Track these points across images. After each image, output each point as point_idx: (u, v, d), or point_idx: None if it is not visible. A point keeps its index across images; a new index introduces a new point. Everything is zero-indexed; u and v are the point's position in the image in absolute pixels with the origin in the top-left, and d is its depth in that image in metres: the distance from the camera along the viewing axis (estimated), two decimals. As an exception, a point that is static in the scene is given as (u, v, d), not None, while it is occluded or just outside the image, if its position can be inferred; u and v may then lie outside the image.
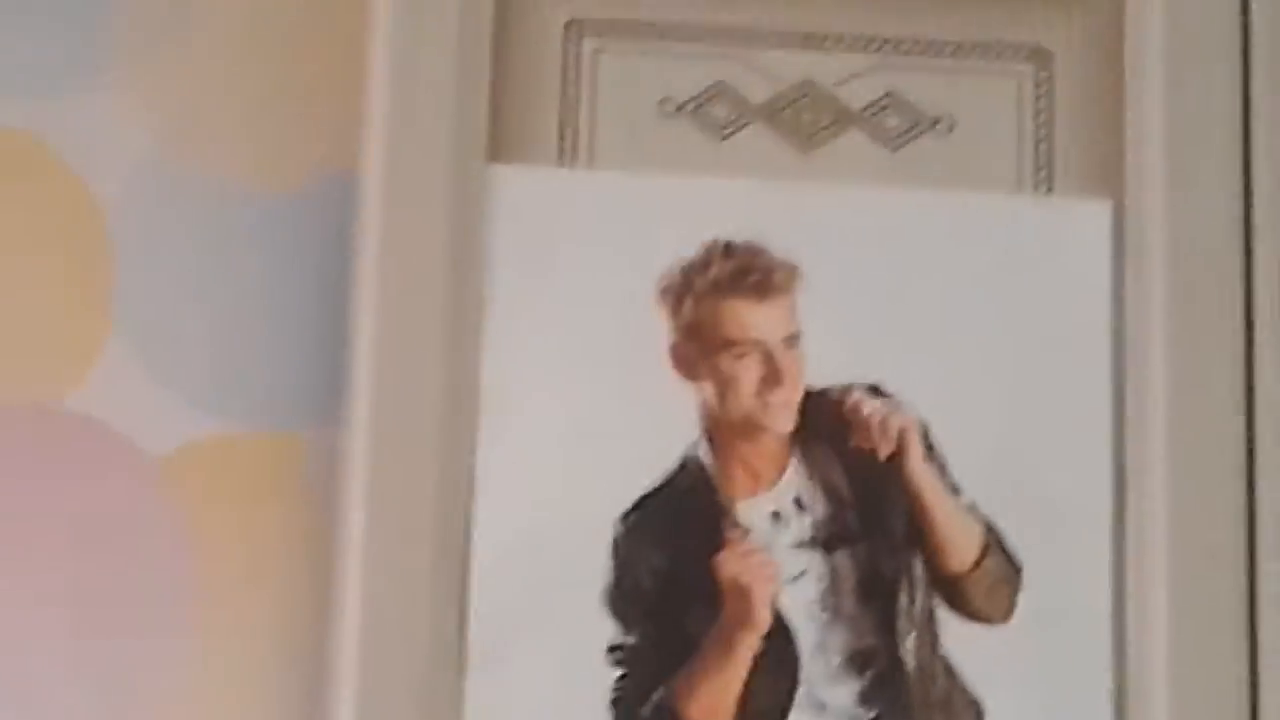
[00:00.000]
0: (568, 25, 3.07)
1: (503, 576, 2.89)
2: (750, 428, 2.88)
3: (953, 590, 2.87)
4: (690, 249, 2.95)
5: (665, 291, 2.92)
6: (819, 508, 2.87)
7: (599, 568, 2.85)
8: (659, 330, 2.89)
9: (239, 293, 3.16)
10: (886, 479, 2.86)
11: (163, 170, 3.18)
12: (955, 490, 2.90)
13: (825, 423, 2.90)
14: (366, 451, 2.90)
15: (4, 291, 3.12)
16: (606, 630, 2.84)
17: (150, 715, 3.02)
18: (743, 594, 2.81)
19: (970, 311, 3.00)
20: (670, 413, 2.91)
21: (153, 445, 3.09)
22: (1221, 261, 2.96)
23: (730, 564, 2.80)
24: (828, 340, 2.97)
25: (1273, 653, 2.84)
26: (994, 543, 2.87)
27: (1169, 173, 2.97)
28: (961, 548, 2.85)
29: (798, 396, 2.90)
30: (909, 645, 2.85)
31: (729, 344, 2.88)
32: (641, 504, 2.86)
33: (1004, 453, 2.95)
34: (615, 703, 2.83)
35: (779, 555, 2.85)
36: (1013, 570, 2.89)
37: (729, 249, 2.93)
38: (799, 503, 2.88)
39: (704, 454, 2.88)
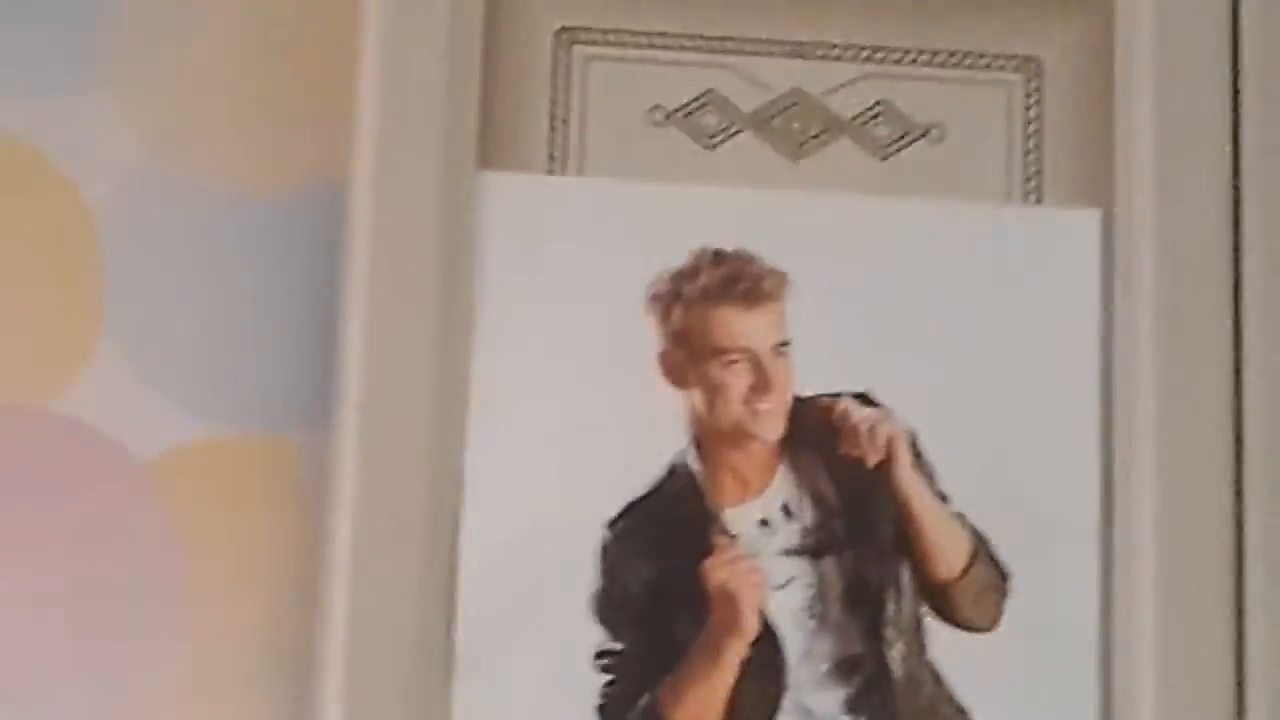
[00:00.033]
0: (558, 32, 3.07)
1: (491, 582, 2.89)
2: (739, 435, 2.88)
3: (940, 598, 2.87)
4: (679, 257, 2.95)
5: (654, 299, 2.93)
6: (807, 515, 2.88)
7: (587, 574, 2.86)
8: (648, 338, 2.90)
9: (229, 297, 3.16)
10: (874, 487, 2.87)
11: (153, 174, 3.19)
12: (943, 498, 2.90)
13: (814, 431, 2.91)
14: (355, 456, 2.91)
15: (-7, 294, 3.13)
16: (594, 636, 2.84)
17: (140, 718, 3.02)
18: (730, 601, 2.81)
19: (959, 320, 3.01)
20: (659, 420, 2.92)
21: (142, 449, 3.09)
22: (1210, 272, 2.97)
23: (718, 571, 2.81)
24: (816, 348, 2.97)
25: (1260, 664, 2.84)
26: (981, 551, 2.88)
27: (1159, 183, 2.98)
28: (949, 556, 2.86)
29: (786, 404, 2.90)
30: (896, 653, 2.86)
31: (718, 351, 2.89)
32: (630, 511, 2.86)
33: (992, 461, 2.95)
34: (602, 709, 2.83)
35: (766, 562, 2.85)
36: (1000, 578, 2.90)
37: (718, 257, 2.94)
38: (787, 510, 2.88)
39: (692, 461, 2.88)
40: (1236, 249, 3.03)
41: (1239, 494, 2.93)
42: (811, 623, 2.86)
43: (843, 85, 3.17)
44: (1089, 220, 3.04)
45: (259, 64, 3.26)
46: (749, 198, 3.09)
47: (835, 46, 3.16)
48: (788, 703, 2.83)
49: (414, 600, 2.88)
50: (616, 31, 3.15)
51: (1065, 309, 3.02)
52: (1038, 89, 3.14)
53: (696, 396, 2.91)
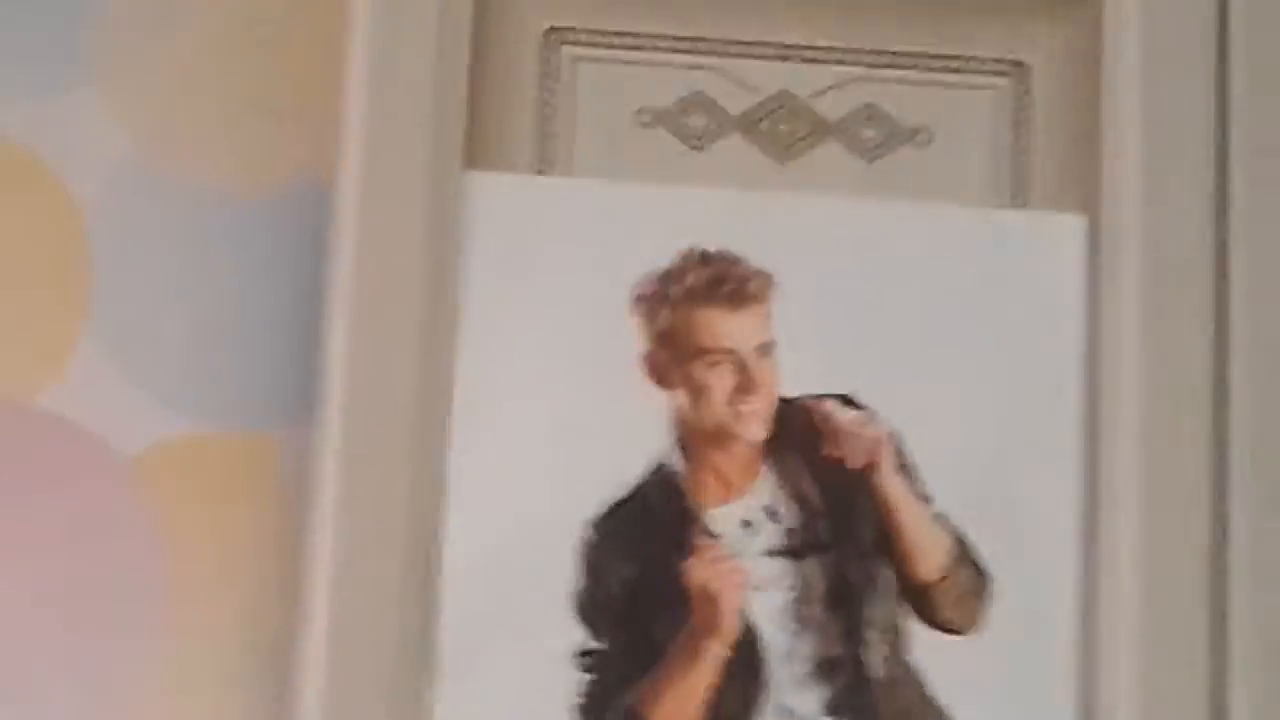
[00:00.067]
0: (547, 33, 3.08)
1: (472, 581, 2.89)
2: (722, 436, 2.88)
3: (922, 600, 2.88)
4: (666, 257, 2.96)
5: (640, 299, 2.93)
6: (790, 516, 2.88)
7: (568, 574, 2.86)
8: (633, 338, 2.90)
9: (214, 294, 3.17)
10: (857, 489, 2.87)
11: (141, 172, 3.19)
12: (926, 500, 2.91)
13: (798, 432, 2.91)
14: (339, 455, 2.91)
15: (-20, 290, 3.13)
16: (575, 636, 2.84)
17: (122, 713, 3.02)
18: (711, 601, 2.81)
19: (944, 323, 3.01)
20: (642, 420, 2.92)
21: (125, 445, 3.10)
22: (1195, 276, 2.97)
23: (699, 571, 2.81)
24: (802, 350, 2.97)
25: (1241, 664, 2.85)
26: (964, 553, 2.88)
27: (1144, 187, 2.98)
28: (931, 558, 2.86)
29: (770, 406, 2.90)
30: (877, 654, 2.86)
31: (703, 352, 2.89)
32: (612, 510, 2.86)
33: (976, 464, 2.96)
34: (583, 708, 2.83)
35: (748, 563, 2.85)
36: (982, 581, 2.90)
37: (704, 258, 2.94)
38: (770, 511, 2.89)
39: (676, 461, 2.88)
40: (1221, 254, 3.04)
41: (1221, 498, 2.94)
42: (793, 624, 2.86)
43: (830, 88, 3.17)
44: (1074, 225, 3.04)
45: (246, 63, 3.27)
46: (736, 199, 3.10)
47: (823, 49, 3.17)
48: (769, 703, 2.83)
49: (395, 599, 2.88)
50: (604, 33, 3.16)
51: (1051, 313, 3.02)
52: (1025, 93, 3.14)
53: (681, 397, 2.91)
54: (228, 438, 3.10)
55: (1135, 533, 2.91)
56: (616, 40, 3.11)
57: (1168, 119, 3.03)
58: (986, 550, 2.91)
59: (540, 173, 3.07)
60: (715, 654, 2.81)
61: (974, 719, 2.89)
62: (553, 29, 3.07)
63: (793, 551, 2.88)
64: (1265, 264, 2.99)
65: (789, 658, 2.85)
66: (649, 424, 2.91)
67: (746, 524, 2.89)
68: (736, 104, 3.12)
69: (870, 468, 2.85)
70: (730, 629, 2.81)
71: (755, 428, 2.90)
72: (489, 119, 3.07)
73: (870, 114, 3.13)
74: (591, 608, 2.84)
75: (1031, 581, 2.94)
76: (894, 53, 3.14)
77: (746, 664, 2.82)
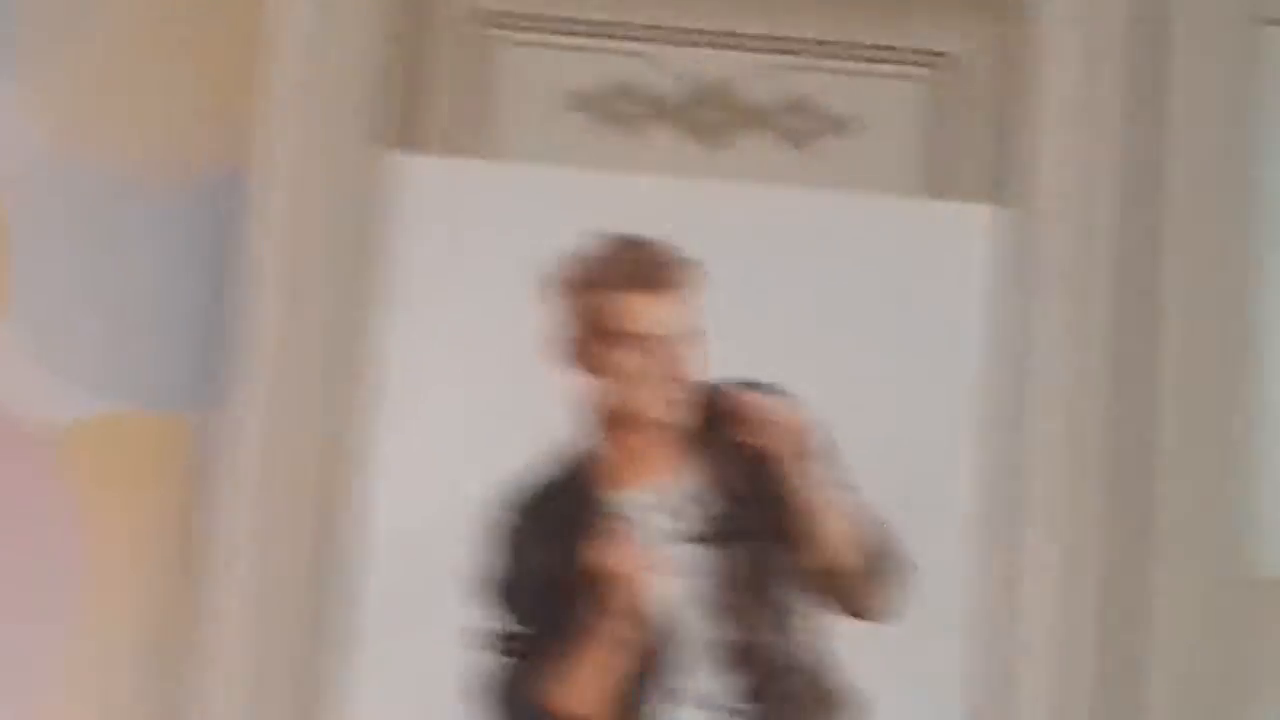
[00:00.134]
0: (477, 17, 3.07)
1: (385, 563, 2.89)
2: (642, 421, 2.87)
3: (842, 588, 2.86)
4: (591, 242, 2.95)
5: (564, 283, 2.92)
6: (708, 503, 2.87)
7: (482, 556, 2.85)
8: (555, 321, 2.89)
9: (130, 281, 3.18)
10: (778, 477, 2.85)
11: (58, 164, 3.21)
12: (847, 489, 2.89)
13: (720, 419, 2.90)
14: (256, 437, 2.91)
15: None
16: (485, 617, 2.83)
17: (34, 690, 3.02)
18: (619, 585, 2.79)
19: (866, 312, 3.01)
20: (560, 404, 2.91)
21: (44, 426, 3.10)
22: (1102, 266, 2.97)
23: (608, 555, 2.79)
24: (727, 336, 2.96)
25: (1164, 646, 2.85)
26: (884, 541, 2.87)
27: (1057, 179, 2.99)
28: (851, 547, 2.84)
29: (690, 392, 2.89)
30: (795, 641, 2.85)
31: (624, 337, 2.87)
32: (524, 494, 2.85)
33: (896, 452, 2.96)
34: (492, 689, 2.82)
35: (663, 548, 2.84)
36: (901, 569, 2.89)
37: (628, 243, 2.93)
38: (687, 497, 2.87)
39: (592, 445, 2.87)
40: (1131, 246, 3.04)
41: (1122, 483, 2.95)
42: (709, 610, 2.85)
43: (760, 77, 3.17)
44: (983, 215, 3.05)
45: (166, 56, 3.27)
46: (663, 185, 3.09)
47: (753, 38, 3.17)
48: (683, 689, 2.82)
49: (308, 580, 2.88)
50: (535, 17, 3.15)
51: (967, 302, 3.02)
52: (950, 85, 3.14)
53: (601, 381, 2.90)
54: (143, 418, 3.11)
55: (1048, 520, 2.91)
56: (547, 25, 3.11)
57: (1085, 112, 3.03)
58: (906, 538, 2.90)
59: (468, 156, 3.07)
60: (623, 638, 2.79)
61: (890, 706, 2.88)
62: (483, 13, 3.07)
63: (711, 538, 2.86)
64: (1173, 256, 3.00)
65: (705, 643, 2.84)
66: (566, 407, 2.90)
67: (661, 509, 2.88)
68: (666, 91, 3.12)
69: (791, 456, 2.83)
70: (638, 612, 2.80)
71: (675, 413, 2.89)
72: (418, 102, 3.07)
73: (799, 103, 3.12)
74: (502, 590, 2.83)
75: (950, 570, 2.94)
76: (823, 42, 3.14)
77: (660, 649, 2.81)
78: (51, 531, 2.92)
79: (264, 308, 2.83)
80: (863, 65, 2.97)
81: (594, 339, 2.90)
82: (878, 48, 2.97)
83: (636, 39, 3.01)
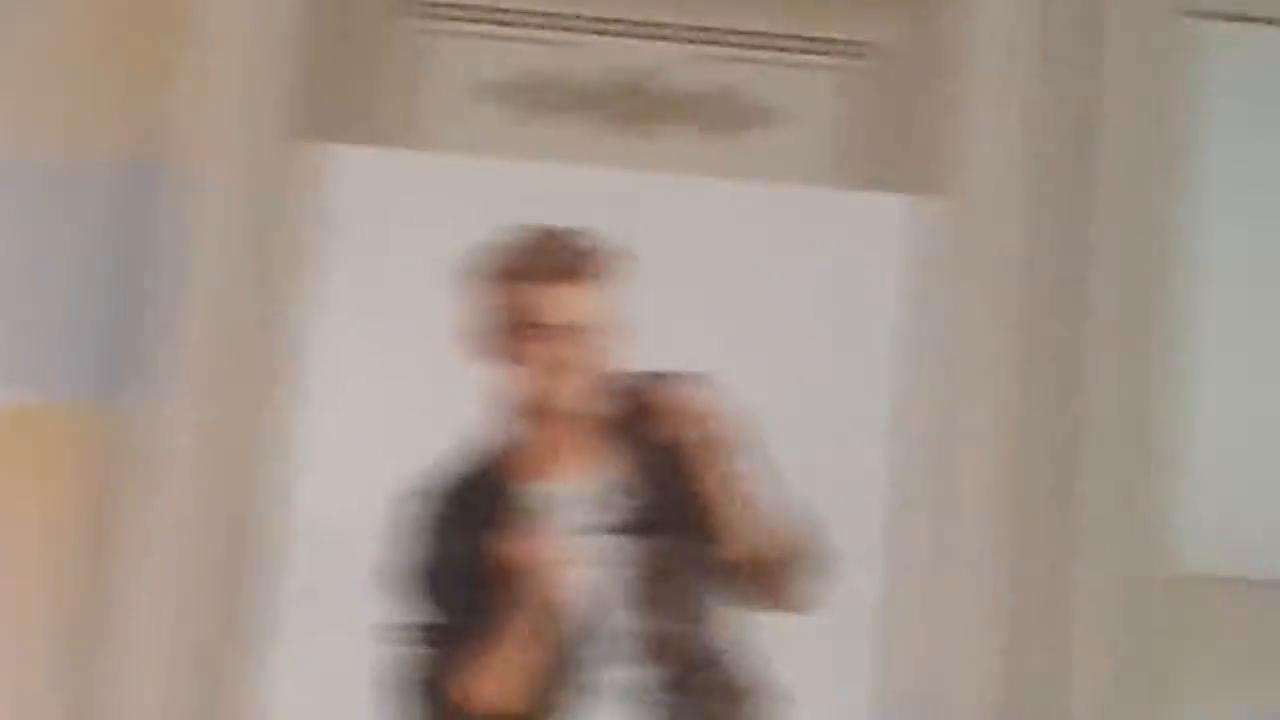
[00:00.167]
0: (399, 7, 3.06)
1: (300, 554, 2.88)
2: (560, 412, 2.85)
3: (760, 579, 2.85)
4: (510, 232, 2.93)
5: (483, 274, 2.90)
6: (627, 494, 2.85)
7: (397, 547, 2.83)
8: (474, 312, 2.88)
9: (42, 271, 3.17)
10: (698, 467, 2.83)
11: (-26, 153, 3.20)
12: (767, 480, 2.88)
13: (640, 409, 2.88)
14: (171, 427, 2.90)
15: None
16: (402, 609, 2.82)
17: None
18: (534, 577, 2.77)
19: (788, 301, 3.01)
20: (481, 396, 2.90)
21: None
22: (1023, 256, 2.97)
23: (524, 547, 2.77)
24: (649, 327, 2.95)
25: (1085, 640, 2.84)
26: (804, 533, 2.85)
27: (979, 169, 2.99)
28: (771, 538, 2.83)
29: (610, 382, 2.87)
30: (713, 632, 2.83)
31: (543, 328, 2.85)
32: (443, 485, 2.83)
33: (816, 443, 2.95)
34: (408, 681, 2.80)
35: (581, 539, 2.82)
36: (821, 561, 2.87)
37: (548, 234, 2.91)
38: (606, 488, 2.86)
39: (511, 437, 2.85)
40: (1076, 236, 3.04)
41: (1032, 469, 2.95)
42: (623, 601, 2.84)
43: (683, 68, 3.16)
44: (900, 205, 3.05)
45: (81, 47, 3.25)
46: (585, 176, 3.08)
47: (676, 29, 3.16)
48: (603, 680, 2.80)
49: (223, 572, 2.86)
50: (458, 6, 3.15)
51: (878, 292, 3.03)
52: (872, 75, 3.14)
53: (521, 372, 2.88)
54: (53, 408, 3.09)
55: (962, 512, 2.90)
56: (469, 14, 3.10)
57: (1006, 103, 3.03)
58: (830, 530, 2.88)
59: (390, 147, 3.06)
60: (539, 630, 2.77)
61: (810, 696, 2.86)
62: (404, 3, 3.06)
63: (631, 529, 2.85)
64: (1093, 247, 3.00)
65: (615, 635, 2.82)
66: (485, 399, 2.89)
67: (575, 501, 2.86)
68: (588, 81, 3.11)
69: (711, 446, 2.82)
70: (547, 606, 2.78)
71: (591, 404, 2.87)
72: (338, 93, 3.06)
73: (721, 94, 3.12)
74: (418, 581, 2.81)
75: (874, 561, 2.93)
76: (745, 33, 3.13)
77: (578, 640, 2.79)
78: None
79: (183, 299, 2.81)
80: (785, 56, 2.96)
81: (513, 330, 2.88)
82: (800, 39, 2.96)
83: (560, 29, 3.00)
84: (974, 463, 2.87)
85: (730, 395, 2.91)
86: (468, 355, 2.91)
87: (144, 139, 2.99)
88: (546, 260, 2.91)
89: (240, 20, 2.98)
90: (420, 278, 2.92)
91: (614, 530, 2.88)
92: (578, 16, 3.09)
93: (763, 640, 2.86)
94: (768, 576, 2.85)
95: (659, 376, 2.91)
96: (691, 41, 3.08)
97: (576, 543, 2.83)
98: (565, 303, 2.88)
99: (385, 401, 2.89)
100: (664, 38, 3.08)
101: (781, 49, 3.07)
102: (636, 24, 3.10)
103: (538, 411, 2.90)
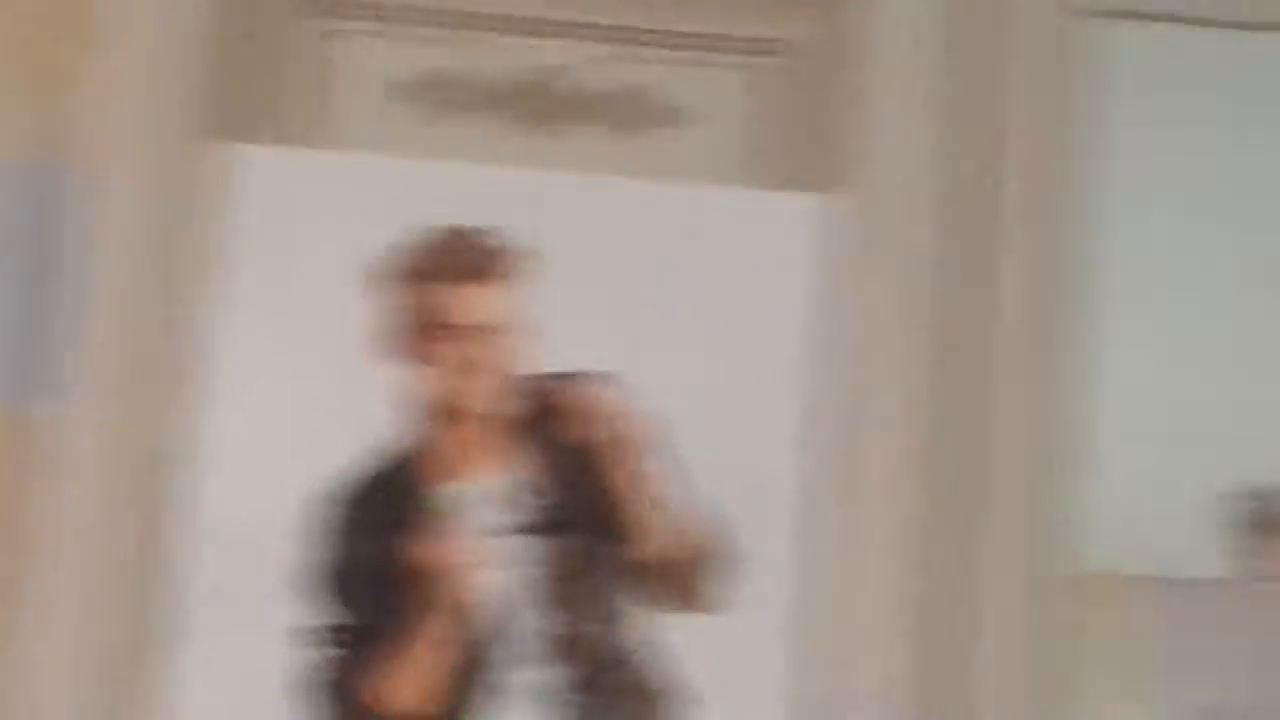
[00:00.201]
0: (306, 6, 3.05)
1: (210, 556, 2.86)
2: (469, 413, 2.84)
3: (669, 580, 2.85)
4: (419, 232, 2.92)
5: (391, 274, 2.88)
6: (536, 494, 2.84)
7: (306, 550, 2.82)
8: (383, 313, 2.86)
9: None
10: (607, 468, 2.83)
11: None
12: (677, 480, 2.88)
13: (548, 410, 2.87)
14: (81, 428, 2.88)
15: None
16: (311, 612, 2.80)
17: None
18: (440, 578, 2.76)
19: (698, 301, 3.01)
20: (390, 397, 2.88)
21: None
22: (931, 253, 2.99)
23: (433, 548, 2.76)
24: (558, 326, 2.94)
25: (991, 639, 2.86)
26: (713, 533, 2.86)
27: (887, 167, 3.00)
28: (680, 538, 2.83)
29: (519, 383, 2.86)
30: (623, 633, 2.83)
31: (449, 328, 2.84)
32: (351, 486, 2.82)
33: (726, 442, 2.95)
34: (317, 683, 2.79)
35: (490, 540, 2.81)
36: (730, 561, 2.88)
37: (455, 234, 2.90)
38: (515, 488, 2.85)
39: (420, 438, 2.84)
40: (984, 232, 3.06)
41: (937, 471, 2.96)
42: (533, 602, 2.83)
43: (592, 67, 3.16)
44: (808, 205, 3.05)
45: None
46: (494, 175, 3.07)
47: (585, 28, 3.16)
48: (504, 682, 2.79)
49: (134, 573, 2.85)
50: (366, 6, 3.13)
51: (787, 291, 3.03)
52: (781, 74, 3.15)
53: (427, 373, 2.87)
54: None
55: (871, 512, 2.91)
56: (377, 13, 3.08)
57: (914, 100, 3.04)
58: (729, 530, 2.89)
59: (298, 146, 3.04)
60: (449, 631, 2.77)
61: (719, 697, 2.87)
62: (312, 2, 3.04)
63: (540, 530, 2.84)
64: (1001, 244, 3.02)
65: (525, 636, 2.82)
66: (394, 400, 2.88)
67: (489, 501, 2.85)
68: (497, 80, 3.11)
69: (619, 446, 2.81)
70: (458, 607, 2.77)
71: (493, 405, 2.86)
72: (245, 92, 3.04)
73: (630, 92, 3.12)
74: (327, 583, 2.79)
75: (783, 562, 2.93)
76: (654, 32, 3.13)
77: (488, 642, 2.78)
78: None
79: (89, 302, 2.79)
80: (694, 55, 2.96)
81: (422, 331, 2.87)
82: (709, 37, 2.97)
83: (468, 28, 2.99)
84: (883, 462, 2.88)
85: (639, 395, 2.91)
86: (377, 356, 2.90)
87: (48, 140, 2.96)
88: (455, 260, 2.90)
89: (145, 20, 2.95)
90: (329, 278, 2.90)
91: (522, 530, 2.87)
92: (486, 16, 3.09)
93: (673, 641, 2.86)
94: (677, 577, 2.85)
95: (567, 376, 2.90)
96: (600, 40, 3.07)
97: (486, 543, 2.83)
98: (474, 303, 2.87)
99: (294, 403, 2.87)
100: (573, 37, 3.07)
101: (690, 48, 3.07)
102: (545, 23, 3.10)
103: (447, 412, 2.89)
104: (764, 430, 2.91)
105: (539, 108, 3.06)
